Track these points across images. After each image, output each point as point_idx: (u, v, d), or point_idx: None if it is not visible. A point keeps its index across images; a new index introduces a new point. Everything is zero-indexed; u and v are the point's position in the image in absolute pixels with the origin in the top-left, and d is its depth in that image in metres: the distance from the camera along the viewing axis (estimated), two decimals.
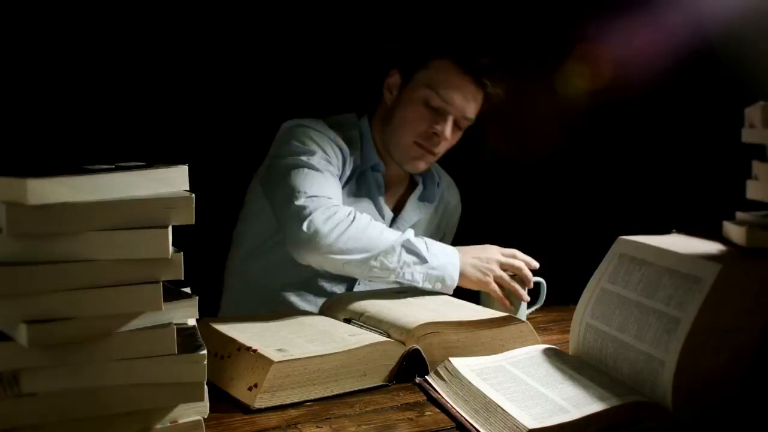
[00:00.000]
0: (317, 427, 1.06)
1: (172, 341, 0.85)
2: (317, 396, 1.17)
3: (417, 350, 1.26)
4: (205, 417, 0.93)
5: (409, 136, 1.68)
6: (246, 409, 1.12)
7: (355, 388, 1.21)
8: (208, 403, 0.93)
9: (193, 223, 0.85)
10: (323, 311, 1.50)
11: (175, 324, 0.93)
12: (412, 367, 1.25)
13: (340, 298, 1.52)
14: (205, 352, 0.86)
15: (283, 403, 1.14)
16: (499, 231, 2.20)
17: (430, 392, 1.17)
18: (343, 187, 1.66)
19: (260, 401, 1.12)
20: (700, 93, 2.08)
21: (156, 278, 0.83)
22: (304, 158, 1.57)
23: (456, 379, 1.17)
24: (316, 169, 1.56)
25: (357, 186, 1.73)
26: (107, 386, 0.84)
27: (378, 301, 1.46)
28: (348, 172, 1.70)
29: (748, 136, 1.15)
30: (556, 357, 1.22)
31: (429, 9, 1.96)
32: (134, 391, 0.85)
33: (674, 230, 1.30)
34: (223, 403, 1.12)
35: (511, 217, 2.37)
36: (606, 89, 2.11)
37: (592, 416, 1.01)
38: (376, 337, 1.27)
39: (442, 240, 1.81)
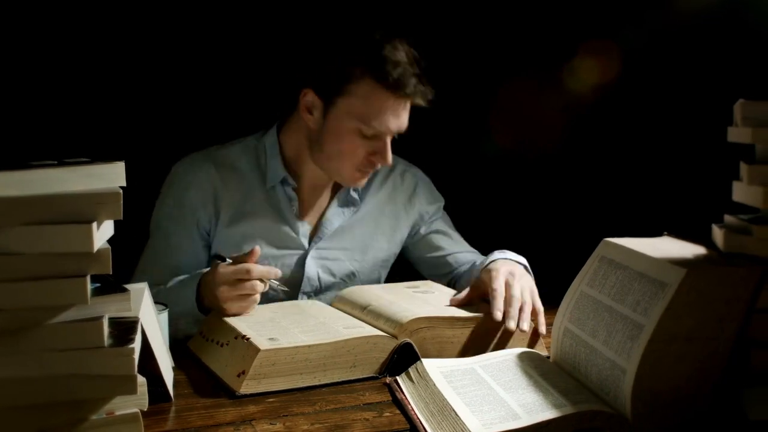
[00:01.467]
0: (270, 424, 1.06)
1: (100, 334, 0.86)
2: (304, 385, 1.19)
3: (409, 344, 1.25)
4: (144, 410, 0.94)
5: (348, 167, 1.57)
6: (232, 395, 1.15)
7: (344, 379, 1.21)
8: (147, 396, 0.94)
9: (121, 218, 0.86)
10: (337, 302, 1.50)
11: (120, 318, 0.95)
12: (404, 360, 1.23)
13: (351, 291, 1.52)
14: (133, 345, 0.88)
15: (269, 390, 1.17)
16: (498, 229, 2.15)
17: (396, 393, 1.16)
18: (245, 207, 1.61)
19: (246, 388, 1.15)
20: (701, 91, 2.01)
21: (82, 272, 0.84)
22: (158, 233, 1.61)
23: (423, 380, 1.15)
24: (161, 244, 1.59)
25: (267, 203, 1.63)
26: (39, 376, 0.86)
27: (384, 294, 1.46)
28: (245, 195, 1.61)
29: (731, 134, 1.09)
30: (530, 361, 1.19)
31: (341, 22, 1.78)
32: (66, 382, 0.87)
33: (665, 233, 1.25)
34: (215, 390, 1.17)
35: (511, 215, 2.32)
36: (606, 88, 2.04)
37: (542, 423, 0.97)
38: (368, 331, 1.27)
39: (427, 227, 1.77)
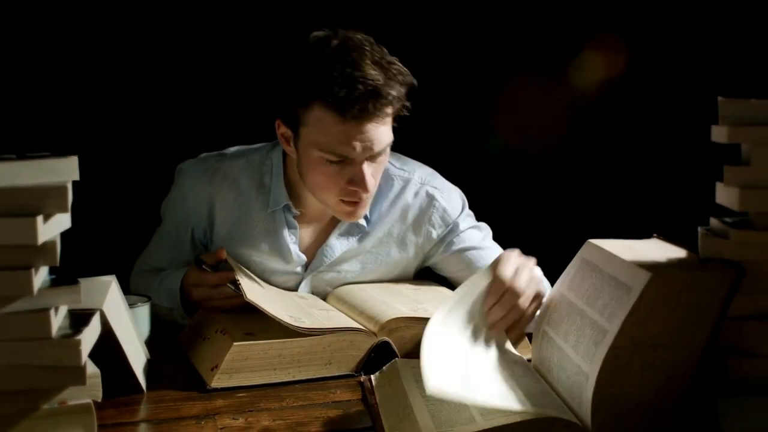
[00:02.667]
0: (233, 418, 1.07)
1: (46, 325, 0.88)
2: (278, 381, 1.20)
3: (387, 342, 1.24)
4: (98, 400, 0.95)
5: (330, 197, 1.40)
6: (204, 389, 1.16)
7: (319, 376, 1.21)
8: (100, 387, 0.95)
9: (68, 212, 0.88)
10: (331, 298, 1.50)
11: (78, 310, 0.97)
12: (383, 359, 1.22)
13: (345, 288, 1.51)
14: (80, 337, 0.89)
15: (242, 385, 1.17)
16: (499, 229, 2.11)
17: (367, 392, 1.15)
18: (239, 229, 1.51)
19: (217, 381, 1.16)
20: (708, 86, 1.92)
21: (28, 264, 0.86)
22: (163, 221, 1.60)
23: (394, 379, 1.14)
24: (165, 236, 1.58)
25: (264, 227, 1.51)
26: None
27: (377, 293, 1.45)
28: (241, 216, 1.51)
29: (714, 134, 1.04)
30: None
31: (297, 43, 1.45)
32: (15, 372, 0.89)
33: (654, 234, 1.20)
34: (190, 383, 1.19)
35: (511, 215, 2.26)
36: (611, 85, 1.98)
37: (497, 429, 0.95)
38: (344, 323, 1.26)
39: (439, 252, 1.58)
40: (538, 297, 1.22)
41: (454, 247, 1.58)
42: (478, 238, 1.59)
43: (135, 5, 2.04)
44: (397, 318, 1.26)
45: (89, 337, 0.93)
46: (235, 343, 1.17)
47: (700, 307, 0.95)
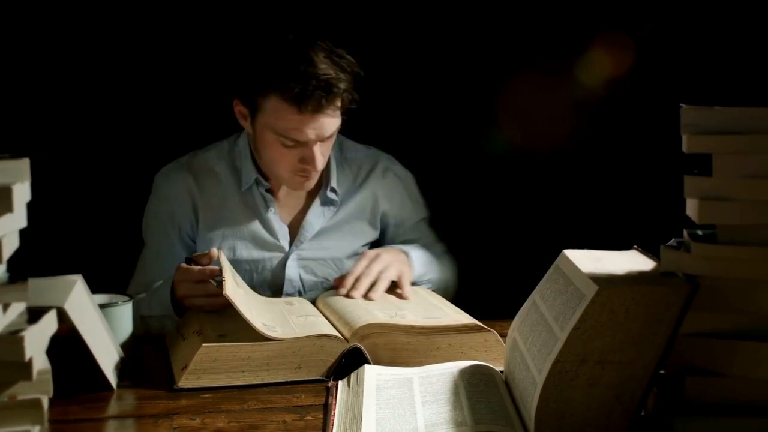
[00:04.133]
0: (190, 419, 1.08)
1: None
2: (246, 383, 1.20)
3: (358, 349, 1.24)
4: (49, 396, 0.98)
5: (282, 170, 1.59)
6: (170, 388, 1.18)
7: (288, 380, 1.22)
8: (51, 383, 0.98)
9: (12, 212, 0.90)
10: (319, 300, 1.51)
11: (37, 307, 1.00)
12: (354, 365, 1.22)
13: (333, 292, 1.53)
14: (23, 333, 0.91)
15: (209, 386, 1.18)
16: (500, 228, 2.07)
17: (330, 398, 1.14)
18: (223, 211, 1.66)
19: (184, 382, 1.18)
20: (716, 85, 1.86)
21: None
22: (146, 240, 1.69)
23: (357, 387, 1.14)
24: (153, 251, 1.66)
25: (244, 205, 1.66)
26: None
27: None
28: (223, 199, 1.66)
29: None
30: (471, 375, 1.14)
31: (257, 31, 1.74)
32: None
33: (634, 246, 1.16)
34: (162, 382, 1.21)
35: (513, 215, 2.22)
36: (617, 84, 1.92)
37: None
38: (318, 330, 1.26)
39: (397, 225, 1.76)
40: (396, 274, 1.50)
41: (399, 234, 1.77)
42: (426, 234, 1.79)
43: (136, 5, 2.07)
44: (371, 324, 1.26)
45: (37, 333, 0.95)
46: (203, 344, 1.19)
47: (650, 323, 0.91)
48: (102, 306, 1.25)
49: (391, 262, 1.50)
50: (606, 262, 1.04)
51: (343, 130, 1.72)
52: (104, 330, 1.18)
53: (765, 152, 0.92)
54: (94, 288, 1.34)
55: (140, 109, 2.10)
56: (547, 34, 2.09)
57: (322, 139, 1.52)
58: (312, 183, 1.62)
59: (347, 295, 1.44)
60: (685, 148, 0.95)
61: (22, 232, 1.95)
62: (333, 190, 1.68)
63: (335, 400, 1.12)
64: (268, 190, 1.67)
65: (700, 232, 1.01)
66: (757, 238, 0.92)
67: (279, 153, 1.54)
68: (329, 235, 1.70)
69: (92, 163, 2.06)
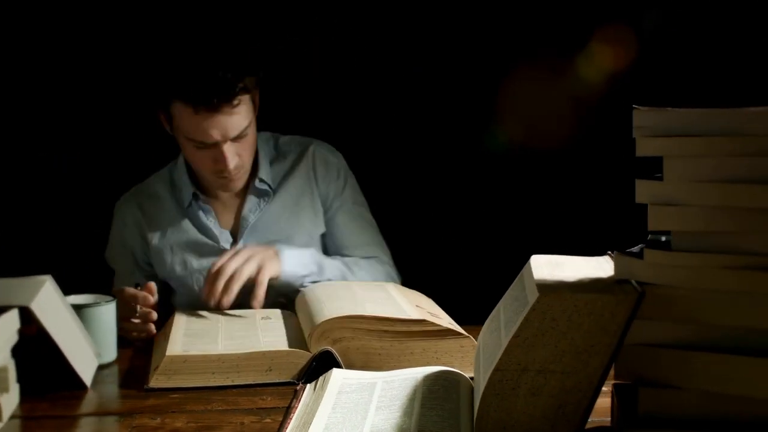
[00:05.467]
0: (151, 418, 1.09)
1: None
2: (216, 384, 1.22)
3: (329, 352, 1.24)
4: (6, 392, 1.01)
5: (204, 173, 1.63)
6: (140, 387, 1.20)
7: (259, 382, 1.22)
8: (7, 381, 1.01)
9: None
10: (298, 298, 1.51)
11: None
12: (326, 368, 1.22)
13: (313, 287, 1.53)
14: None
15: (180, 386, 1.20)
16: (500, 229, 2.02)
17: (294, 400, 1.14)
18: (169, 230, 1.70)
19: (155, 382, 1.20)
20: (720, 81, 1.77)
21: None
22: (112, 266, 1.78)
23: (321, 390, 1.13)
24: (119, 277, 1.75)
25: (188, 221, 1.71)
26: None
27: (335, 292, 1.43)
28: (168, 220, 1.71)
29: None
30: (432, 381, 1.12)
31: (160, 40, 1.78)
32: None
33: (608, 252, 1.13)
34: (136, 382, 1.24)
35: (513, 214, 2.16)
36: (618, 80, 1.85)
37: None
38: (281, 345, 1.26)
39: (330, 206, 1.76)
40: (254, 269, 1.47)
41: (333, 216, 1.77)
42: (350, 217, 1.78)
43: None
44: (331, 319, 1.24)
45: None
46: (169, 344, 1.20)
47: (594, 332, 0.88)
48: (84, 306, 1.28)
49: (250, 257, 1.48)
50: (565, 268, 1.01)
51: (344, 132, 1.72)
52: (78, 330, 1.21)
53: (718, 155, 0.87)
54: (92, 288, 1.38)
55: (140, 109, 2.13)
56: (544, 34, 2.05)
57: (228, 139, 1.53)
58: (238, 183, 1.65)
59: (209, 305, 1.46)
60: (636, 152, 0.92)
61: (22, 232, 2.02)
62: (261, 180, 1.70)
63: (298, 404, 1.12)
64: (206, 202, 1.71)
65: (663, 238, 0.97)
66: (710, 245, 0.88)
67: (195, 156, 1.58)
68: (270, 227, 1.71)
69: (92, 163, 2.10)
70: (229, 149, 1.55)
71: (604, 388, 1.11)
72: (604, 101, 2.02)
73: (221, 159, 1.55)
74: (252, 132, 1.60)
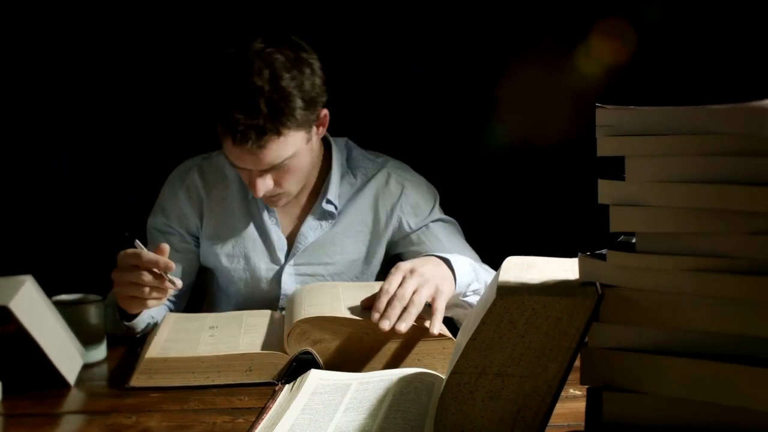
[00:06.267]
0: (127, 417, 1.10)
1: None
2: (197, 384, 1.22)
3: (309, 352, 1.24)
4: None
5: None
6: (121, 386, 1.22)
7: (239, 382, 1.23)
8: None
9: None
10: (288, 297, 1.50)
11: None
12: (306, 367, 1.22)
13: (303, 287, 1.50)
14: None
15: (160, 385, 1.21)
16: (502, 226, 1.98)
17: (270, 401, 1.14)
18: (227, 218, 1.62)
19: (135, 381, 1.21)
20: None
21: None
22: (148, 235, 1.67)
23: (296, 391, 1.13)
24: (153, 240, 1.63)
25: (247, 214, 1.62)
26: None
27: (313, 291, 1.42)
28: (228, 205, 1.63)
29: None
30: (406, 382, 1.11)
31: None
32: None
33: (579, 254, 1.10)
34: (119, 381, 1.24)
35: (514, 213, 2.12)
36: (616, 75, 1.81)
37: None
38: (260, 346, 1.27)
39: (404, 234, 1.62)
40: (431, 291, 1.27)
41: (420, 244, 1.62)
42: (445, 237, 1.63)
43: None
44: (303, 320, 1.24)
45: None
46: (150, 345, 1.21)
47: (552, 335, 0.87)
48: (71, 304, 1.30)
49: (427, 279, 1.28)
50: (534, 270, 0.99)
51: (345, 132, 1.71)
52: (61, 328, 1.22)
53: (680, 155, 0.85)
54: (90, 287, 1.40)
55: (140, 109, 2.15)
56: (543, 31, 2.03)
57: (261, 168, 1.45)
58: (280, 202, 1.56)
59: (379, 325, 1.23)
60: (597, 151, 0.90)
61: (22, 232, 2.05)
62: (329, 201, 1.60)
63: (273, 404, 1.12)
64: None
65: (634, 240, 0.95)
66: (674, 247, 0.86)
67: (238, 170, 1.51)
68: (326, 248, 1.62)
69: (92, 163, 2.12)
70: (260, 179, 1.46)
71: (578, 392, 1.11)
72: (604, 97, 1.98)
73: (252, 185, 1.48)
74: (299, 162, 1.49)
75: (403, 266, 1.30)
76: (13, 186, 2.13)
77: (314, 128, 1.51)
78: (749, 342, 0.83)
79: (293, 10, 2.09)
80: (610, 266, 0.89)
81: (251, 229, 1.62)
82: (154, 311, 1.47)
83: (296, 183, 1.54)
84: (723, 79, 1.83)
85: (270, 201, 1.55)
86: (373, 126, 2.04)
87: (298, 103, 1.41)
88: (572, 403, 1.09)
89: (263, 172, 1.46)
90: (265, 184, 1.47)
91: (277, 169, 1.46)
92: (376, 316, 1.21)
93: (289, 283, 1.61)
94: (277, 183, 1.49)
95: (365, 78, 2.10)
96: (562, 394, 1.11)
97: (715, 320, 0.84)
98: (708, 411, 0.85)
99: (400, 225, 1.64)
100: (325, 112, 1.51)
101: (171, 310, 1.62)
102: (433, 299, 1.27)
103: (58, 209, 2.05)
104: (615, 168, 0.94)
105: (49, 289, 1.24)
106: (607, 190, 0.89)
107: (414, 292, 1.25)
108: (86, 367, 1.29)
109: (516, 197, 2.15)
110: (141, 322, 1.45)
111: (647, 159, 0.87)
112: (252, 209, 1.63)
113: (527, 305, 0.86)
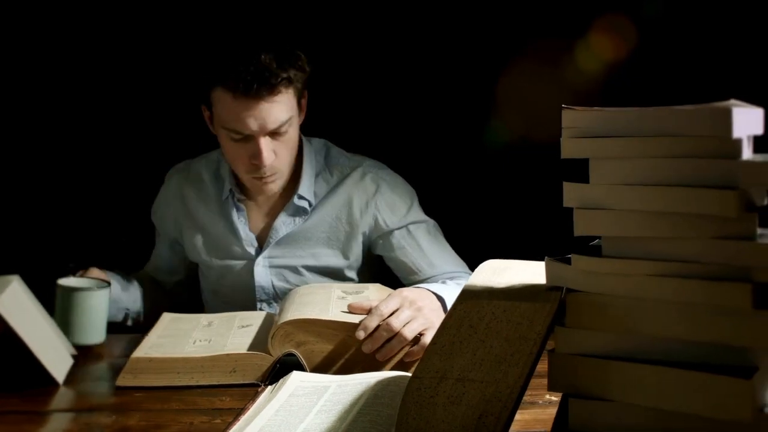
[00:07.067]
0: (108, 416, 1.12)
1: None
2: (181, 384, 1.24)
3: (293, 355, 1.24)
4: None
5: (240, 171, 1.59)
6: (110, 385, 1.24)
7: (223, 383, 1.24)
8: None
9: None
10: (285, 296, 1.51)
11: None
12: (289, 369, 1.22)
13: (295, 289, 1.50)
14: None
15: (145, 385, 1.23)
16: (501, 225, 1.95)
17: (250, 402, 1.15)
18: (203, 218, 1.72)
19: (121, 380, 1.23)
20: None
21: None
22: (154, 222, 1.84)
23: (276, 393, 1.13)
24: (157, 236, 1.83)
25: (220, 214, 1.70)
26: None
27: (303, 293, 1.42)
28: (205, 207, 1.72)
29: None
30: (383, 386, 1.10)
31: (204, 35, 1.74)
32: None
33: (546, 257, 1.08)
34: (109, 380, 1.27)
35: (513, 211, 2.09)
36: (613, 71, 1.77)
37: None
38: (246, 347, 1.27)
39: (380, 233, 1.65)
40: (421, 327, 1.26)
41: (401, 249, 1.66)
42: (427, 244, 1.65)
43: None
44: (287, 322, 1.24)
45: None
46: (140, 345, 1.23)
47: (513, 340, 0.86)
48: (77, 289, 1.33)
49: (424, 315, 1.27)
50: (507, 274, 0.98)
51: (336, 134, 1.72)
52: (49, 327, 1.25)
53: (645, 157, 0.83)
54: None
55: (140, 110, 2.18)
56: (542, 29, 2.00)
57: (266, 131, 1.49)
58: (272, 187, 1.59)
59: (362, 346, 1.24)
60: (561, 154, 0.88)
61: (21, 231, 2.09)
62: (302, 197, 1.64)
63: (252, 405, 1.12)
64: (241, 201, 1.69)
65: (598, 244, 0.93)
66: (639, 251, 0.84)
67: (232, 150, 1.54)
68: (300, 242, 1.67)
69: (92, 163, 2.15)
70: (265, 143, 1.50)
71: (554, 398, 1.09)
72: (604, 95, 1.96)
73: (257, 153, 1.50)
74: (293, 133, 1.56)
75: (404, 294, 1.29)
76: (12, 186, 2.16)
77: (300, 104, 1.58)
78: (715, 350, 0.81)
79: (293, 9, 2.10)
80: (576, 270, 0.87)
81: (221, 227, 1.70)
82: (128, 303, 1.66)
83: (289, 157, 1.58)
84: (722, 78, 1.79)
85: (266, 183, 1.57)
86: (366, 126, 2.05)
87: (296, 63, 1.50)
88: (549, 408, 1.08)
89: (267, 138, 1.50)
90: (269, 152, 1.51)
91: (276, 137, 1.52)
92: (361, 334, 1.22)
93: (263, 275, 1.68)
94: (276, 153, 1.54)
95: (364, 78, 2.10)
96: (539, 399, 1.11)
97: (680, 327, 0.82)
98: (674, 420, 0.83)
99: (377, 222, 1.66)
100: (306, 94, 1.60)
101: (168, 299, 1.78)
102: (422, 334, 1.26)
103: (57, 209, 2.08)
104: (584, 171, 0.93)
105: (37, 289, 1.27)
106: (571, 193, 0.87)
107: (405, 324, 1.24)
108: (86, 350, 1.35)
109: (513, 197, 2.13)
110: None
111: (611, 161, 0.85)
112: (225, 210, 1.70)
113: (487, 310, 0.85)
